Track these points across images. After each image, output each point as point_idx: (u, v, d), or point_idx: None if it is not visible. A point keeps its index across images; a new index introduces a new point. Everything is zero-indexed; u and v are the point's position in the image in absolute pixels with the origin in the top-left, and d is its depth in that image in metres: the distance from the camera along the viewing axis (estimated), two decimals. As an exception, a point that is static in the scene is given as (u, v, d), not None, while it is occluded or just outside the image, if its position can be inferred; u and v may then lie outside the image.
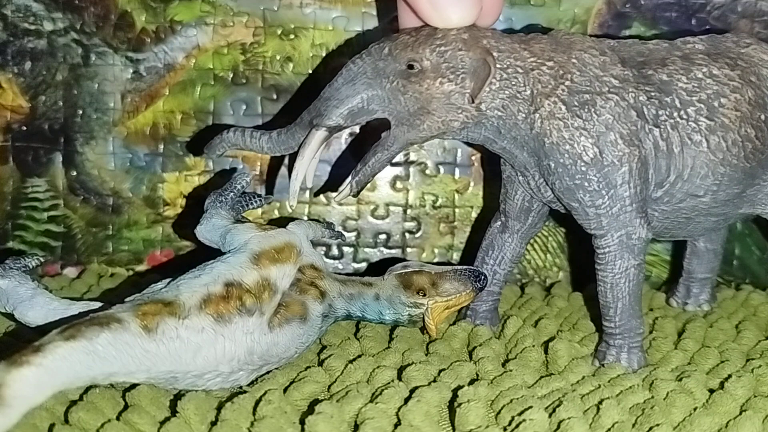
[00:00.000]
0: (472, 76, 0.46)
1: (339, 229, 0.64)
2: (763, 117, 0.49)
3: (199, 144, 0.63)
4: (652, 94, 0.48)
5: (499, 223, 0.55)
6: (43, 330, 0.45)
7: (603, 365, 0.49)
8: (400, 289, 0.51)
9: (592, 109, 0.47)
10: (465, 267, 0.53)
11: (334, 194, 0.52)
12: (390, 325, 0.53)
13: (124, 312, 0.41)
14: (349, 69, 0.47)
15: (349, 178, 0.49)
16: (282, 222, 0.54)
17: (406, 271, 0.52)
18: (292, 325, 0.46)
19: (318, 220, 0.60)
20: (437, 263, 0.61)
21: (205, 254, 0.49)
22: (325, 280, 0.49)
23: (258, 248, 0.47)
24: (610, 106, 0.47)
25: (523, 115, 0.47)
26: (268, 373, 0.47)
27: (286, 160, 0.66)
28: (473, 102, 0.46)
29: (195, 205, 0.64)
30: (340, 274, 0.53)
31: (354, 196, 0.49)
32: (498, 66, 0.47)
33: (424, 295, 0.51)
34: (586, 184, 0.47)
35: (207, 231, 0.50)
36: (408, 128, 0.47)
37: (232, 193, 0.52)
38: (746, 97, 0.49)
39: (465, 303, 0.53)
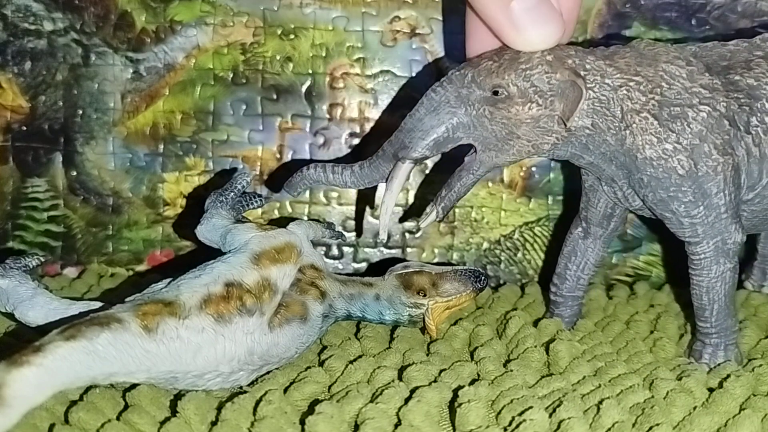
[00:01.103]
0: (561, 98, 0.45)
1: (339, 229, 0.64)
2: None
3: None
4: (742, 101, 0.47)
5: (580, 229, 0.55)
6: (44, 330, 0.45)
7: (700, 363, 0.51)
8: (400, 289, 0.51)
9: (684, 122, 0.46)
10: (465, 267, 0.53)
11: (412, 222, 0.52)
12: (390, 326, 0.53)
13: (125, 312, 0.41)
14: (431, 98, 0.47)
15: (433, 203, 0.49)
16: (282, 222, 0.54)
17: (406, 271, 0.52)
18: (293, 325, 0.46)
19: (318, 220, 0.60)
20: (437, 263, 0.61)
21: (205, 254, 0.49)
22: (325, 281, 0.49)
23: (258, 248, 0.47)
24: (702, 117, 0.47)
25: (614, 132, 0.47)
26: (268, 373, 0.47)
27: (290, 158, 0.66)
28: (565, 125, 0.46)
29: (195, 205, 0.64)
30: (340, 274, 0.53)
31: (439, 221, 0.49)
32: (587, 86, 0.46)
33: (425, 295, 0.51)
34: (681, 195, 0.47)
35: (207, 231, 0.50)
36: (496, 153, 0.47)
37: (232, 193, 0.51)
38: None
39: (465, 303, 0.53)
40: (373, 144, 0.66)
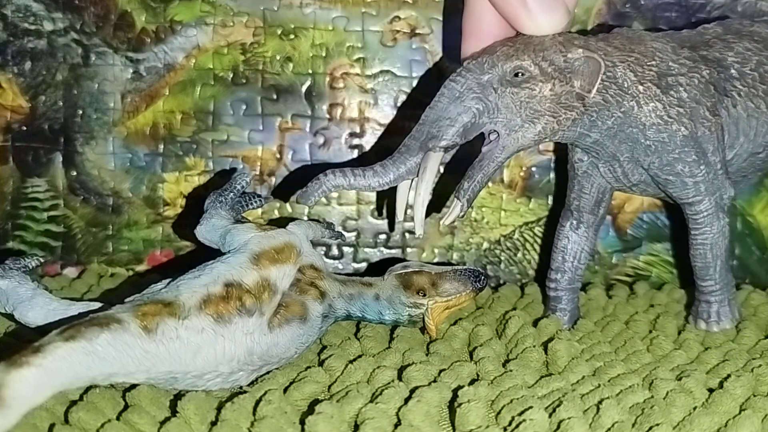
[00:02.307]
0: (577, 75, 0.48)
1: (339, 229, 0.64)
2: None
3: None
4: (717, 69, 0.53)
5: (571, 221, 0.57)
6: (43, 330, 0.45)
7: (708, 323, 0.55)
8: (400, 289, 0.51)
9: (681, 88, 0.51)
10: (465, 267, 0.53)
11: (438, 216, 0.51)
12: (390, 325, 0.53)
13: (124, 312, 0.41)
14: (451, 88, 0.48)
15: (455, 197, 0.48)
16: (282, 222, 0.54)
17: (406, 271, 0.52)
18: (292, 325, 0.46)
19: (318, 220, 0.60)
20: (437, 263, 0.61)
21: (205, 254, 0.49)
22: (325, 281, 0.49)
23: (258, 248, 0.47)
24: (694, 83, 0.52)
25: (621, 104, 0.50)
26: (268, 373, 0.47)
27: (287, 161, 0.66)
28: (587, 96, 0.48)
29: (195, 205, 0.64)
30: (340, 274, 0.53)
31: (461, 217, 0.49)
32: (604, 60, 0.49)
33: (424, 295, 0.51)
34: (685, 156, 0.51)
35: (207, 231, 0.50)
36: (522, 134, 0.48)
37: (231, 194, 0.51)
38: None
39: (465, 303, 0.53)
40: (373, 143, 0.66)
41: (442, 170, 0.63)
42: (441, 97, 0.48)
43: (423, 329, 0.53)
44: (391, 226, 0.66)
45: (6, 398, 0.34)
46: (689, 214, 0.53)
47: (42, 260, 0.50)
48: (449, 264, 0.60)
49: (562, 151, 0.66)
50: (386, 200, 0.67)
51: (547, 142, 0.50)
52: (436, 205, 0.62)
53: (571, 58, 0.48)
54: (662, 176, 0.52)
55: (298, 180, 0.50)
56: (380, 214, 0.67)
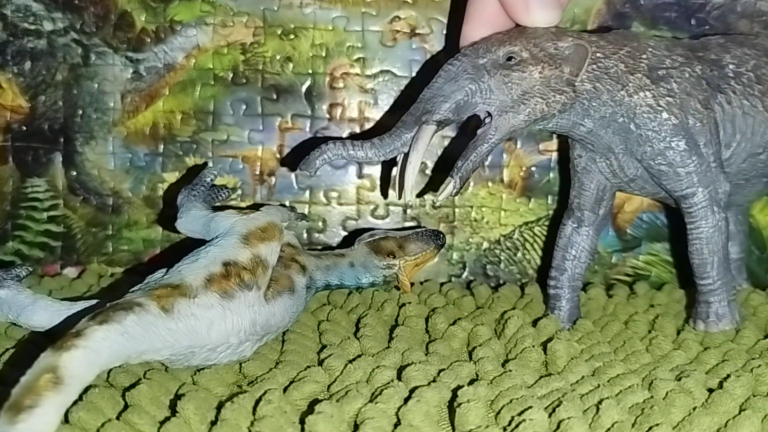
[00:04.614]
0: (567, 61, 0.51)
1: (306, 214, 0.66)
2: None
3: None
4: (711, 67, 0.55)
5: (572, 219, 0.58)
6: (51, 333, 0.47)
7: (707, 323, 0.55)
8: (372, 254, 0.58)
9: (672, 80, 0.53)
10: (424, 228, 0.60)
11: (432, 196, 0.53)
12: (366, 288, 0.59)
13: (141, 297, 0.44)
14: (448, 70, 0.51)
15: (450, 175, 0.50)
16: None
17: (374, 238, 0.58)
18: (284, 296, 0.50)
19: (284, 205, 0.62)
20: (398, 229, 0.63)
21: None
22: (302, 256, 0.54)
23: (245, 230, 0.50)
24: (686, 76, 0.53)
25: (612, 93, 0.51)
26: (268, 372, 0.47)
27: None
28: (576, 81, 0.50)
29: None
30: (312, 249, 0.57)
31: (454, 195, 0.51)
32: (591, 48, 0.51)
33: (394, 257, 0.58)
34: (675, 145, 0.52)
35: (188, 222, 0.53)
36: (513, 114, 0.50)
37: (202, 187, 0.55)
38: None
39: (430, 260, 0.60)
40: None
41: (440, 153, 0.66)
42: (438, 78, 0.51)
43: (397, 287, 0.59)
44: (384, 193, 0.68)
45: (64, 377, 0.36)
46: (684, 207, 0.54)
47: (31, 269, 0.52)
48: (409, 228, 0.62)
49: (562, 152, 0.66)
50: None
51: (541, 127, 0.51)
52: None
53: (561, 46, 0.51)
54: (655, 167, 0.53)
55: (305, 152, 0.52)
56: (386, 197, 0.68)
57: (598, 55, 0.51)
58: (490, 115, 0.50)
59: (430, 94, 0.51)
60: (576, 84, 0.51)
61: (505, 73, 0.50)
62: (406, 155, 0.51)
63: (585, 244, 0.57)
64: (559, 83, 0.50)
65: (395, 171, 0.52)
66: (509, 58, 0.50)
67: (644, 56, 0.53)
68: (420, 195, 0.67)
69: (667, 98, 0.52)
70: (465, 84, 0.50)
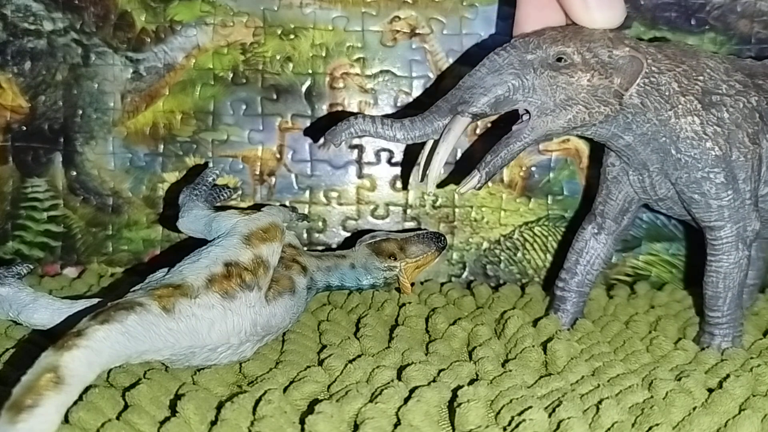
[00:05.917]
0: (619, 72, 0.48)
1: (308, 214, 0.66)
2: None
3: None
4: None
5: (593, 225, 0.57)
6: (52, 332, 0.47)
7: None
8: (373, 256, 0.57)
9: (723, 108, 0.50)
10: (426, 231, 0.60)
11: (456, 188, 0.51)
12: (366, 290, 0.59)
13: (142, 297, 0.44)
14: (494, 60, 0.49)
15: (477, 168, 0.49)
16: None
17: (375, 240, 0.58)
18: (284, 297, 0.50)
19: (284, 205, 0.62)
20: (400, 231, 0.63)
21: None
22: (303, 257, 0.54)
23: (246, 230, 0.50)
24: (739, 107, 0.51)
25: (659, 112, 0.49)
26: (268, 372, 0.47)
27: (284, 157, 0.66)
28: (624, 94, 0.48)
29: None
30: (313, 251, 0.57)
31: (478, 189, 0.50)
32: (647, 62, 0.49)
33: (395, 258, 0.58)
34: (713, 176, 0.50)
35: (190, 222, 0.53)
36: (552, 119, 0.48)
37: (204, 187, 0.55)
38: None
39: (431, 262, 0.59)
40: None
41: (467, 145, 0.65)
42: (481, 67, 0.49)
43: (398, 289, 0.59)
44: (405, 184, 0.67)
45: (65, 377, 0.36)
46: (709, 239, 0.52)
47: (32, 267, 0.52)
48: (411, 230, 0.62)
49: (562, 152, 0.66)
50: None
51: (579, 133, 0.50)
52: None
53: (616, 55, 0.48)
54: (688, 193, 0.51)
55: (326, 127, 0.50)
56: (405, 188, 0.67)
57: (652, 69, 0.49)
58: (528, 112, 0.49)
59: (471, 83, 0.48)
60: (624, 97, 0.48)
61: (552, 75, 0.48)
62: (435, 143, 0.49)
63: (601, 252, 0.56)
64: (606, 94, 0.48)
65: (421, 158, 0.51)
66: (559, 59, 0.48)
67: (700, 78, 0.50)
68: (440, 186, 0.66)
69: (715, 127, 0.50)
70: (508, 79, 0.48)
